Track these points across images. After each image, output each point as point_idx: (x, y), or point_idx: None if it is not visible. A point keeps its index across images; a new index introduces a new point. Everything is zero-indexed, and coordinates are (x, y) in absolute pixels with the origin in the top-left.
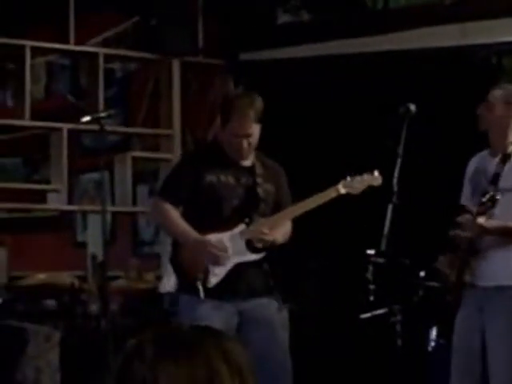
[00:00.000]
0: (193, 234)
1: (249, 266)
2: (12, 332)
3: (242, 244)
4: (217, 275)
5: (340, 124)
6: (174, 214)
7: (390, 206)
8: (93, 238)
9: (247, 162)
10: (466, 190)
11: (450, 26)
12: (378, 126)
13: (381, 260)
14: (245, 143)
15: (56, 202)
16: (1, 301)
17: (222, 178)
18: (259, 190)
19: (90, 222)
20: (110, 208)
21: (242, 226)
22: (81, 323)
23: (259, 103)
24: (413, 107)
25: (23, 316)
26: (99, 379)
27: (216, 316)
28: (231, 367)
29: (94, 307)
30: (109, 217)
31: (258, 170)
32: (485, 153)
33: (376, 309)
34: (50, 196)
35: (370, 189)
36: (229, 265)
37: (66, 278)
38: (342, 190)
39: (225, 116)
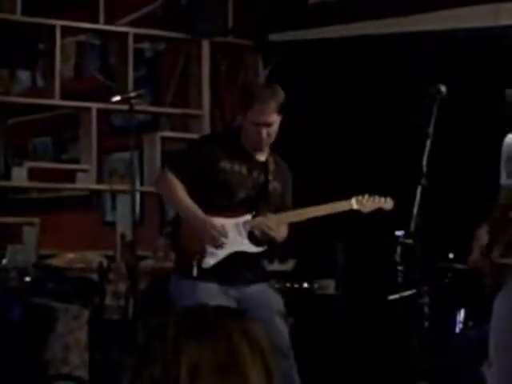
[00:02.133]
0: (197, 211)
1: (247, 256)
2: (41, 310)
3: (244, 234)
4: (213, 257)
5: (370, 105)
6: (181, 187)
7: (420, 188)
8: (122, 217)
9: (262, 157)
10: (503, 170)
11: (483, 7)
12: (409, 107)
13: (409, 241)
14: (264, 132)
15: (85, 182)
16: (30, 279)
17: (236, 167)
18: (270, 187)
19: (118, 202)
20: (138, 188)
21: (247, 217)
22: (109, 302)
23: (281, 94)
24: (443, 88)
25: (52, 294)
26: (127, 358)
27: (213, 299)
28: (253, 348)
29: (122, 286)
30: (138, 197)
31: (271, 166)
32: None
33: (404, 290)
34: (79, 175)
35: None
36: (227, 250)
37: (94, 257)
38: (354, 206)
39: (246, 104)
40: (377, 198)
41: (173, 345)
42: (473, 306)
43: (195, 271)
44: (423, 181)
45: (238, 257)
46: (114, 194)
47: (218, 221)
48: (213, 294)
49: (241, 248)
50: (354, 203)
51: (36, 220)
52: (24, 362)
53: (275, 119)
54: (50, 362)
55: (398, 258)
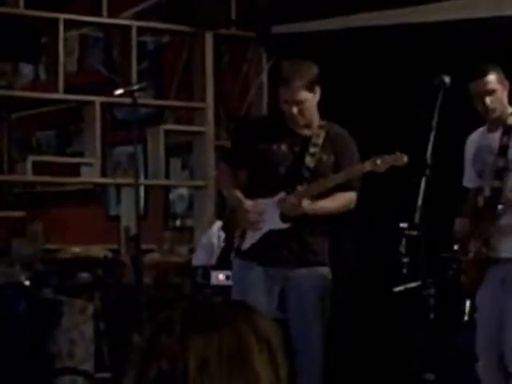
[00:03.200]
0: (235, 194)
1: (284, 234)
2: (47, 304)
3: (277, 212)
4: (251, 239)
5: (373, 97)
6: (228, 177)
7: (424, 179)
8: (126, 211)
9: (306, 132)
10: (470, 171)
11: None
12: (413, 98)
13: (414, 233)
14: (294, 110)
15: (89, 176)
16: (35, 273)
17: (275, 146)
18: (307, 159)
19: (123, 196)
20: (142, 181)
21: (282, 195)
22: (114, 296)
23: (308, 71)
24: (447, 79)
25: (58, 289)
26: (132, 351)
27: (259, 280)
28: (260, 341)
29: (127, 280)
30: (142, 190)
31: (317, 139)
32: (481, 130)
33: (409, 282)
34: (84, 169)
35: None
36: (263, 230)
37: (99, 251)
38: (368, 168)
39: (277, 83)
40: (387, 157)
41: (180, 338)
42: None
43: (233, 253)
44: (427, 172)
45: (276, 236)
46: (118, 188)
47: (257, 202)
48: (257, 275)
49: (272, 227)
50: (367, 166)
51: (41, 214)
52: (30, 355)
53: (304, 96)
54: (56, 356)
55: (402, 250)
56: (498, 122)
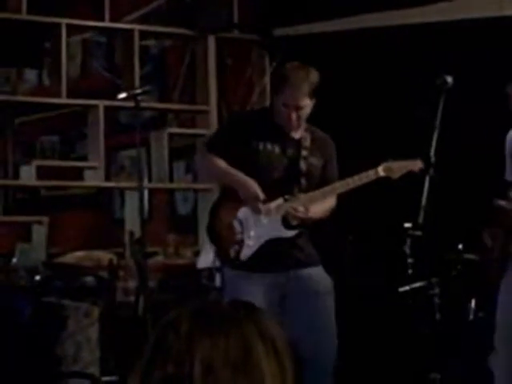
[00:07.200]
0: (242, 175)
1: (284, 241)
2: (52, 309)
3: (277, 219)
4: (250, 248)
5: (376, 97)
6: (222, 162)
7: (428, 179)
8: (130, 214)
9: (296, 134)
10: (509, 164)
11: None
12: (416, 98)
13: (418, 233)
14: (294, 115)
15: (93, 179)
16: (40, 278)
17: (269, 146)
18: (302, 164)
19: (127, 199)
20: (146, 185)
21: (279, 201)
22: (119, 299)
23: (314, 77)
24: (450, 79)
25: (62, 293)
26: (138, 355)
27: (257, 289)
28: (266, 343)
29: (132, 283)
30: (146, 193)
31: (306, 142)
32: None
33: (414, 282)
34: (88, 173)
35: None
36: (263, 238)
37: (104, 255)
38: (382, 173)
39: (277, 86)
40: (404, 162)
41: (186, 340)
42: (483, 297)
43: (234, 263)
44: (431, 172)
45: (275, 243)
46: (122, 192)
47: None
48: (254, 284)
49: (275, 235)
50: (381, 170)
51: (45, 218)
52: (36, 360)
53: (307, 103)
54: (62, 360)
55: (407, 250)
56: None
